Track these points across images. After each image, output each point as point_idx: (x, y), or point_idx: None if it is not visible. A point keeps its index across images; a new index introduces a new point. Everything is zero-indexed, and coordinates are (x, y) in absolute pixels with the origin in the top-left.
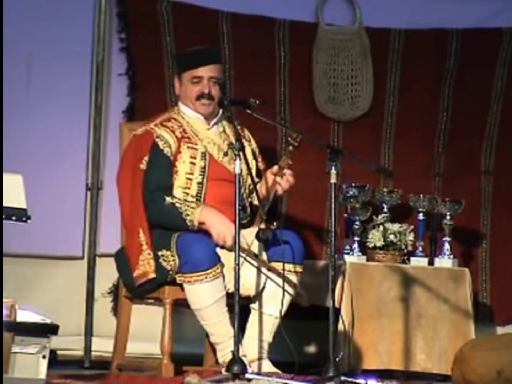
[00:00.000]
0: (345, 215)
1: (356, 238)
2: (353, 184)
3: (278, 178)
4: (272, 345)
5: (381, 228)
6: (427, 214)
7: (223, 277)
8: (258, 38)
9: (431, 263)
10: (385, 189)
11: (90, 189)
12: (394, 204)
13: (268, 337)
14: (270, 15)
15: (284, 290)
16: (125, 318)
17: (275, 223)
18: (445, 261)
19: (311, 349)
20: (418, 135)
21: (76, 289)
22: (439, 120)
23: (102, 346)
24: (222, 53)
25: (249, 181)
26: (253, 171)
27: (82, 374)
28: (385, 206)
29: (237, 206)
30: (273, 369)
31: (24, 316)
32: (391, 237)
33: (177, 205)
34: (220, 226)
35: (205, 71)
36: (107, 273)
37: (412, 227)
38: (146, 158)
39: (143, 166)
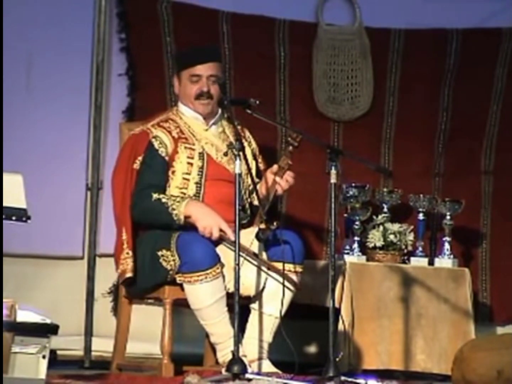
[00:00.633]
0: (345, 215)
1: (356, 238)
2: (353, 184)
3: (277, 178)
4: (272, 345)
5: (381, 228)
6: (427, 214)
7: (223, 277)
8: (258, 38)
9: (431, 263)
10: (385, 189)
11: (90, 189)
12: (394, 204)
13: (268, 337)
14: (270, 15)
15: (284, 290)
16: (125, 318)
17: (275, 223)
18: (445, 261)
19: (311, 349)
20: (418, 135)
21: (76, 289)
22: (439, 120)
23: (102, 346)
24: (221, 52)
25: (249, 181)
26: (253, 171)
27: (82, 374)
28: (385, 206)
29: (237, 206)
30: (273, 369)
31: (24, 316)
32: (391, 237)
33: (163, 200)
34: (206, 219)
35: (204, 69)
36: (107, 273)
37: (412, 227)
38: (140, 158)
39: (136, 165)
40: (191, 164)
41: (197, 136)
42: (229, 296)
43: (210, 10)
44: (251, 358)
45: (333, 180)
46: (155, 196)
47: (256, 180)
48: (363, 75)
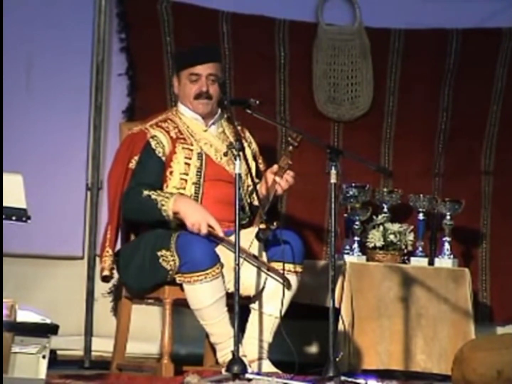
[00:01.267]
0: (345, 215)
1: (356, 238)
2: (353, 184)
3: (277, 178)
4: (272, 345)
5: (381, 228)
6: (427, 214)
7: (223, 277)
8: (258, 38)
9: (431, 263)
10: (385, 189)
11: (90, 189)
12: (394, 204)
13: (268, 337)
14: (270, 15)
15: (284, 290)
16: (125, 318)
17: (275, 223)
18: (445, 261)
19: (311, 349)
20: (418, 135)
21: (76, 289)
22: (439, 120)
23: (102, 346)
24: (221, 52)
25: (249, 181)
26: (253, 172)
27: (82, 374)
28: (385, 206)
29: (237, 206)
30: (273, 369)
31: (24, 316)
32: (391, 237)
33: (153, 196)
34: (195, 215)
35: (203, 69)
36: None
37: (412, 227)
38: (136, 157)
39: (132, 165)
40: (189, 164)
41: (196, 137)
42: (229, 296)
43: (210, 10)
44: (251, 358)
45: (333, 180)
46: (145, 192)
47: (256, 180)
48: (363, 75)
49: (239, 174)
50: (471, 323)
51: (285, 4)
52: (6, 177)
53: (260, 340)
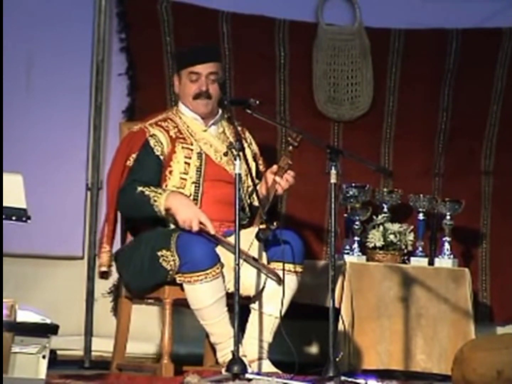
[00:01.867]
0: (345, 215)
1: (356, 238)
2: (353, 184)
3: (277, 178)
4: (272, 345)
5: (381, 228)
6: (427, 214)
7: (223, 277)
8: (258, 38)
9: (431, 263)
10: (385, 189)
11: (90, 189)
12: (394, 204)
13: (268, 337)
14: (270, 15)
15: (284, 290)
16: (125, 318)
17: (275, 223)
18: (445, 261)
19: (311, 349)
20: (418, 135)
21: (76, 289)
22: (439, 120)
23: (102, 346)
24: (221, 52)
25: (249, 182)
26: (253, 172)
27: (82, 374)
28: (385, 206)
29: (237, 206)
30: (273, 369)
31: (24, 316)
32: (391, 237)
33: (146, 192)
34: (186, 212)
35: (203, 68)
36: None
37: (412, 227)
38: (134, 155)
39: (129, 163)
40: (189, 164)
41: (195, 137)
42: (229, 296)
43: (210, 10)
44: (251, 358)
45: (333, 180)
46: (139, 188)
47: (256, 180)
48: (363, 75)
49: (239, 174)
50: (471, 323)
51: (285, 4)
52: (6, 177)
53: (260, 340)
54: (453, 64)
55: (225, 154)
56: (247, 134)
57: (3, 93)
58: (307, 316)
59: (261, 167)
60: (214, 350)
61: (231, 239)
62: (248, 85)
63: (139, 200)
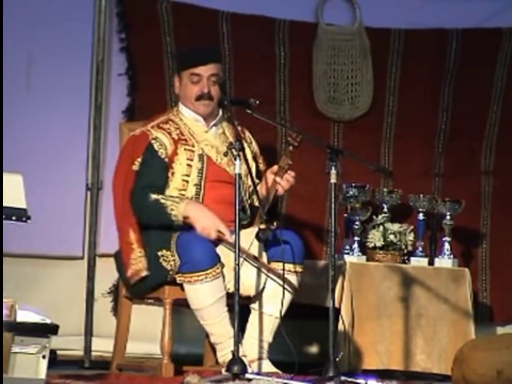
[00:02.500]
0: (345, 215)
1: (356, 238)
2: (353, 184)
3: (278, 179)
4: (272, 345)
5: (381, 228)
6: (427, 214)
7: (223, 277)
8: (258, 38)
9: (431, 263)
10: (385, 189)
11: (90, 189)
12: (394, 204)
13: (268, 337)
14: (270, 15)
15: (284, 291)
16: (125, 318)
17: (275, 223)
18: (445, 261)
19: (311, 349)
20: (418, 135)
21: (76, 289)
22: (439, 120)
23: (102, 346)
24: (222, 53)
25: (249, 182)
26: (253, 172)
27: (82, 374)
28: (385, 206)
29: (237, 207)
30: (273, 369)
31: (24, 316)
32: (391, 237)
33: (162, 201)
34: (205, 220)
35: (205, 70)
36: (107, 273)
37: (412, 227)
38: (139, 159)
39: (135, 167)
40: (191, 166)
41: (197, 138)
42: (229, 296)
43: (210, 10)
44: (251, 358)
45: (333, 180)
46: (153, 196)
47: (256, 181)
48: (363, 75)
49: (239, 174)
50: (471, 323)
51: (285, 4)
52: (6, 177)
53: (260, 340)
54: (453, 64)
55: (225, 154)
56: (247, 134)
57: (3, 93)
58: (307, 316)
59: (261, 167)
60: (214, 350)
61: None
62: (248, 85)
63: (154, 208)
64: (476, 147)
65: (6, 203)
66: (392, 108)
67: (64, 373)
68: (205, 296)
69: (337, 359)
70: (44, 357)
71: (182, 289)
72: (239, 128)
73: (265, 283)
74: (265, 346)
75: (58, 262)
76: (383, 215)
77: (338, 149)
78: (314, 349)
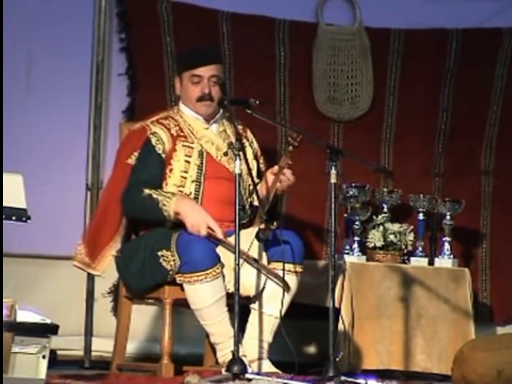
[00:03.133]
0: (345, 215)
1: (356, 238)
2: (353, 184)
3: (282, 176)
4: (272, 345)
5: (381, 228)
6: (427, 214)
7: (223, 277)
8: (258, 38)
9: (431, 263)
10: (385, 189)
11: (90, 189)
12: (394, 204)
13: (268, 337)
14: (270, 15)
15: (284, 291)
16: (125, 318)
17: (275, 223)
18: (445, 261)
19: (311, 349)
20: (418, 135)
21: (76, 289)
22: (439, 120)
23: (102, 346)
24: (222, 53)
25: (249, 181)
26: (254, 172)
27: (82, 374)
28: (385, 206)
29: (237, 206)
30: (273, 369)
31: (24, 316)
32: (391, 237)
33: (154, 196)
34: (195, 217)
35: (205, 71)
36: (107, 273)
37: (412, 227)
38: (136, 153)
39: (131, 161)
40: (189, 162)
41: (197, 135)
42: (229, 296)
43: (210, 10)
44: (251, 358)
45: (333, 180)
46: (146, 191)
47: (257, 180)
48: (363, 75)
49: (239, 174)
50: (471, 323)
51: (285, 4)
52: (6, 177)
53: (260, 340)
54: (453, 64)
55: (225, 154)
56: (249, 133)
57: (3, 93)
58: (307, 316)
59: (262, 166)
60: (214, 350)
61: (231, 239)
62: (248, 85)
63: (146, 203)
64: (476, 147)
65: (6, 203)
66: (392, 108)
67: (64, 373)
68: (205, 296)
69: (337, 359)
70: (44, 357)
71: (182, 289)
72: (240, 127)
73: (265, 283)
74: (265, 346)
75: (58, 262)
76: (383, 215)
77: (338, 149)
78: (314, 349)
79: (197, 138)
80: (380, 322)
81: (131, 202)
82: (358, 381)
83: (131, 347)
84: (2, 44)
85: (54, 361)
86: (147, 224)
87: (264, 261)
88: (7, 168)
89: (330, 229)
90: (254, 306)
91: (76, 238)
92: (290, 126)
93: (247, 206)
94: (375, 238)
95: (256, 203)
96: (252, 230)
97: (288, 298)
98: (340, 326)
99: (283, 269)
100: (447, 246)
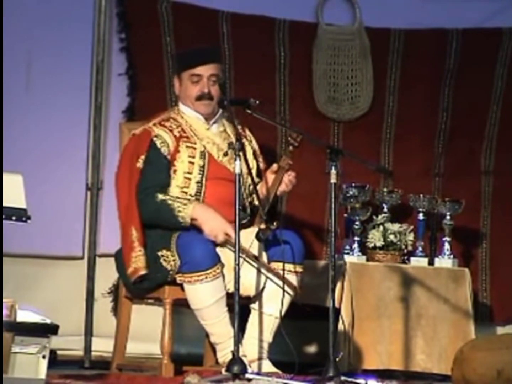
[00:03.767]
0: (345, 215)
1: (356, 238)
2: (353, 184)
3: (285, 178)
4: (272, 345)
5: (381, 228)
6: (427, 214)
7: (223, 277)
8: (258, 38)
9: (431, 263)
10: (385, 189)
11: (90, 189)
12: (394, 204)
13: (268, 337)
14: (270, 15)
15: (284, 291)
16: (125, 318)
17: (275, 223)
18: (445, 261)
19: (311, 349)
20: (418, 135)
21: (76, 289)
22: (439, 120)
23: (102, 346)
24: (222, 53)
25: (249, 181)
26: (254, 171)
27: (82, 374)
28: (385, 206)
29: (237, 206)
30: (273, 369)
31: (24, 316)
32: (391, 237)
33: (169, 202)
34: (212, 223)
35: (205, 70)
36: (107, 273)
37: (412, 227)
38: (143, 157)
39: (139, 164)
40: (192, 163)
41: (198, 135)
42: (229, 296)
43: (210, 10)
44: (251, 358)
45: (333, 180)
46: (160, 197)
47: (257, 180)
48: (363, 75)
49: (240, 174)
50: (471, 323)
51: (285, 4)
52: (6, 177)
53: (260, 340)
54: (453, 64)
55: (225, 154)
56: (247, 132)
57: (3, 93)
58: (307, 316)
59: (261, 165)
60: (214, 350)
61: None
62: (248, 85)
63: (161, 210)
64: (476, 147)
65: (6, 203)
66: (392, 108)
67: (64, 373)
68: (205, 296)
69: (337, 359)
70: (44, 357)
71: (182, 289)
72: (239, 127)
73: (265, 283)
74: (265, 346)
75: (58, 262)
76: (383, 215)
77: (338, 149)
78: (314, 349)
79: (199, 139)
80: (380, 322)
81: (146, 208)
82: (358, 381)
83: (131, 347)
84: (2, 44)
85: (54, 361)
86: (161, 229)
87: (264, 261)
88: (7, 168)
89: (330, 229)
90: (254, 306)
91: (76, 238)
92: (290, 126)
93: (247, 206)
94: (375, 238)
95: (256, 202)
96: (252, 230)
97: (288, 298)
98: (340, 326)
99: (283, 269)
100: (447, 246)
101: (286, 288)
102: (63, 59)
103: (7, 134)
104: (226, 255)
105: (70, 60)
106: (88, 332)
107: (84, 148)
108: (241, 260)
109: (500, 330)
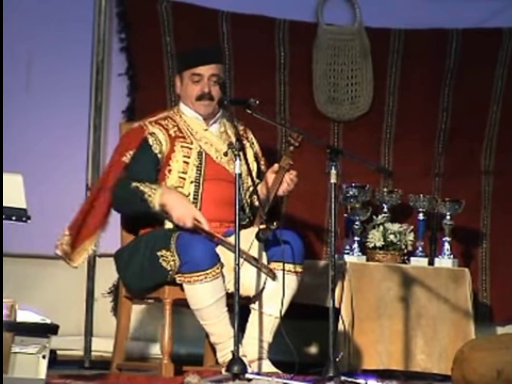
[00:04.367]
0: (345, 215)
1: (356, 238)
2: (353, 184)
3: (286, 177)
4: (272, 345)
5: (381, 228)
6: (427, 214)
7: (223, 277)
8: (258, 38)
9: (431, 263)
10: (385, 189)
11: (90, 189)
12: (394, 204)
13: (268, 337)
14: (270, 15)
15: (284, 290)
16: (125, 318)
17: (275, 223)
18: (445, 261)
19: (311, 349)
20: (418, 135)
21: (76, 289)
22: (439, 120)
23: (102, 346)
24: (223, 53)
25: (249, 181)
26: (253, 173)
27: (82, 374)
28: (385, 206)
29: (237, 206)
30: (273, 369)
31: (24, 316)
32: (391, 237)
33: (141, 188)
34: (181, 209)
35: (206, 70)
36: (107, 273)
37: (412, 227)
38: (131, 152)
39: (125, 159)
40: (187, 163)
41: (196, 136)
42: (229, 296)
43: (210, 10)
44: (251, 358)
45: (333, 180)
46: (134, 184)
47: (257, 180)
48: (363, 75)
49: (239, 174)
50: (471, 323)
51: (285, 4)
52: (6, 177)
53: (260, 340)
54: (453, 64)
55: (225, 154)
56: (249, 134)
57: (3, 93)
58: (307, 316)
59: (263, 168)
60: (214, 350)
61: (231, 239)
62: (248, 85)
63: (133, 195)
64: (476, 147)
65: (6, 203)
66: (392, 108)
67: (64, 373)
68: (205, 296)
69: (337, 359)
70: (44, 357)
71: (182, 289)
72: (241, 128)
73: (265, 283)
74: (265, 346)
75: (58, 262)
76: (383, 215)
77: (338, 149)
78: (314, 349)
79: (196, 139)
80: (380, 322)
81: (119, 194)
82: (358, 381)
83: (131, 347)
84: (2, 44)
85: (54, 361)
86: (139, 218)
87: (264, 261)
88: (7, 168)
89: (330, 229)
90: (254, 306)
91: None
92: (290, 126)
93: (247, 207)
94: (375, 238)
95: (256, 203)
96: (252, 230)
97: (288, 298)
98: (340, 326)
99: (283, 269)
100: (447, 246)
101: (264, 276)
102: (63, 59)
103: (7, 134)
104: (226, 255)
105: (70, 60)
106: (88, 332)
107: (84, 148)
108: (241, 260)
109: (500, 330)
